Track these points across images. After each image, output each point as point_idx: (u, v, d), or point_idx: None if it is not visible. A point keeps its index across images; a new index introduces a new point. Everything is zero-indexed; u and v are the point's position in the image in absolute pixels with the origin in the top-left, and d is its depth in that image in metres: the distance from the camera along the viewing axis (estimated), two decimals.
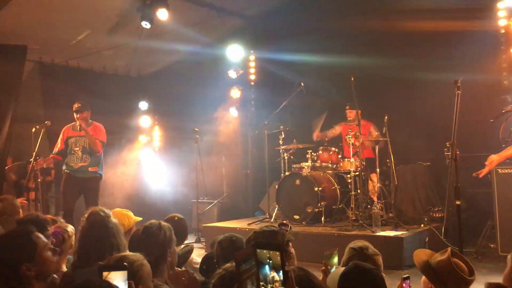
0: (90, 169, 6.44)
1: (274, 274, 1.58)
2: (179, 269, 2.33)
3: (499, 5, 5.99)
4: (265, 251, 1.59)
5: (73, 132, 6.59)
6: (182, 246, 3.43)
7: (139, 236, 2.51)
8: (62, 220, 3.66)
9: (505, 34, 6.05)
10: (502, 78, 6.18)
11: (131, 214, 3.29)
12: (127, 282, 1.85)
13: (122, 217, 3.19)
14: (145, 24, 6.93)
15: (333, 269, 2.74)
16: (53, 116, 8.31)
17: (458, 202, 3.46)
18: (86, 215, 2.63)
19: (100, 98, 8.70)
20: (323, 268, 2.70)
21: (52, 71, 8.63)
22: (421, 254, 2.38)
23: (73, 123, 6.62)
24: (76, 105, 6.52)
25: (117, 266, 1.91)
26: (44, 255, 2.24)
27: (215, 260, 2.91)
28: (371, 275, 2.18)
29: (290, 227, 2.76)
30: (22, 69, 7.87)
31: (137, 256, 2.15)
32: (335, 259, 2.77)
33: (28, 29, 7.36)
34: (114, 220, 2.57)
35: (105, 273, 1.88)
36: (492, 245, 5.68)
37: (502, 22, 6.07)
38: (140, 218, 3.47)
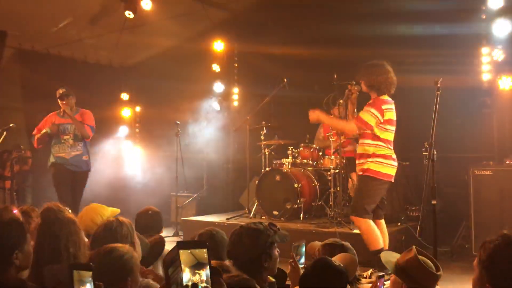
0: (84, 157, 6.16)
1: (201, 273, 1.51)
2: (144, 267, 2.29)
3: (483, 7, 6.05)
4: (189, 251, 1.52)
5: (60, 119, 6.22)
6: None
7: (100, 234, 2.47)
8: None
9: (486, 36, 6.12)
10: (482, 80, 6.26)
11: (105, 210, 3.22)
12: (92, 282, 1.82)
13: (96, 215, 3.12)
14: (129, 14, 6.86)
15: (302, 259, 2.80)
16: (32, 105, 8.20)
17: (434, 202, 3.50)
18: (39, 211, 2.54)
19: (81, 88, 8.54)
20: (291, 260, 2.74)
21: (32, 58, 8.47)
22: (388, 256, 2.42)
23: (58, 110, 6.31)
24: (60, 91, 6.23)
25: (84, 266, 1.89)
26: (29, 247, 2.21)
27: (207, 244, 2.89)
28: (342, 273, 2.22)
29: (279, 229, 2.70)
30: (1, 56, 7.72)
31: (126, 248, 2.16)
32: (303, 249, 2.85)
33: (8, 15, 7.21)
34: (69, 215, 2.50)
35: (75, 272, 1.85)
36: (467, 245, 5.77)
37: (484, 25, 6.14)
38: (118, 210, 3.42)
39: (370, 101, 4.66)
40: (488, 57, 6.17)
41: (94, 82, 8.97)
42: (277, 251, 2.61)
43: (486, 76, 6.25)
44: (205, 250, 1.53)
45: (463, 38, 6.22)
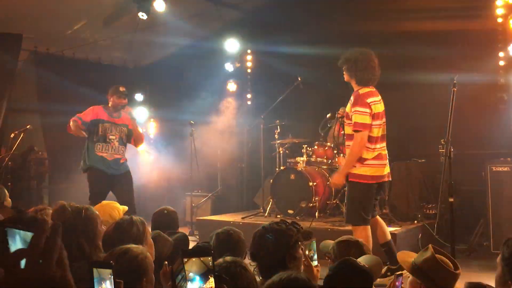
0: (121, 160, 5.70)
1: (207, 281, 1.49)
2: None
3: (497, 2, 5.97)
4: (194, 259, 1.50)
5: (109, 117, 5.67)
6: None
7: (111, 233, 2.46)
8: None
9: (502, 32, 6.03)
10: (498, 76, 6.17)
11: (116, 205, 3.25)
12: (112, 280, 1.83)
13: (113, 210, 3.17)
14: (142, 15, 6.90)
15: (315, 256, 2.79)
16: (48, 107, 8.30)
17: (451, 199, 3.46)
18: (51, 211, 2.56)
19: (96, 89, 8.64)
20: (304, 259, 2.73)
21: (47, 61, 8.56)
22: (405, 256, 2.40)
23: (105, 105, 5.80)
24: (121, 88, 5.75)
25: (104, 264, 1.89)
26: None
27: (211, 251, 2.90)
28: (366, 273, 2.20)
29: (301, 227, 2.66)
30: (17, 58, 7.82)
31: (140, 248, 2.16)
32: (314, 247, 2.84)
33: (23, 18, 7.30)
34: (83, 217, 2.52)
35: (95, 270, 1.86)
36: (485, 243, 5.70)
37: (499, 20, 6.05)
38: (125, 207, 3.45)
39: (352, 100, 4.34)
40: (504, 52, 6.08)
41: (108, 83, 9.00)
42: (302, 250, 2.58)
43: (502, 71, 6.17)
44: (210, 258, 1.52)
45: (478, 33, 6.14)
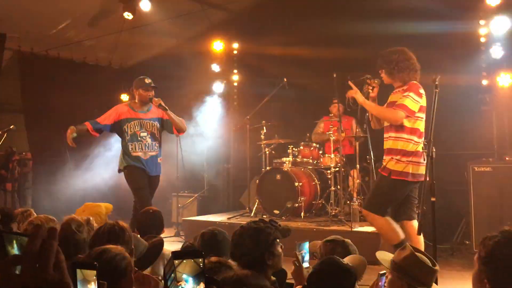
0: (159, 159, 5.34)
1: (198, 283, 1.48)
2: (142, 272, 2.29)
3: (480, 5, 6.06)
4: (186, 261, 1.49)
5: (135, 114, 5.27)
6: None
7: (104, 237, 2.44)
8: (34, 213, 3.60)
9: (484, 35, 6.14)
10: (480, 78, 6.28)
11: (101, 208, 3.24)
12: (96, 281, 1.82)
13: (94, 215, 3.15)
14: (128, 15, 6.89)
15: (306, 256, 2.82)
16: (32, 106, 8.23)
17: (433, 199, 3.51)
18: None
19: (81, 89, 8.62)
20: (295, 259, 2.76)
21: (31, 60, 8.49)
22: (384, 256, 2.44)
23: (128, 102, 5.47)
24: (146, 80, 5.33)
25: (88, 265, 1.88)
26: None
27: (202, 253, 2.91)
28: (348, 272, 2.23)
29: (279, 224, 2.67)
30: (1, 58, 7.74)
31: (118, 249, 2.13)
32: (306, 248, 2.87)
33: (7, 17, 7.23)
34: (85, 231, 2.53)
35: (78, 270, 1.85)
36: (467, 242, 5.79)
37: (482, 22, 6.15)
38: (111, 206, 3.44)
39: (405, 87, 4.05)
40: (487, 54, 6.18)
41: (93, 83, 9.01)
42: (281, 247, 2.61)
43: (485, 73, 6.27)
44: (200, 259, 1.53)
45: (462, 35, 6.24)
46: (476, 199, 5.58)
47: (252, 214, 6.93)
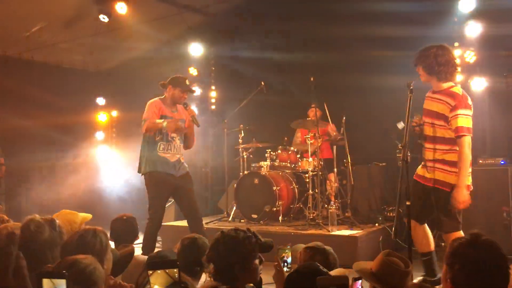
0: (182, 159, 5.11)
1: None
2: (117, 280, 2.24)
3: (455, 9, 6.16)
4: (159, 272, 1.47)
5: (170, 112, 5.01)
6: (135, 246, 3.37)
7: (73, 245, 2.37)
8: (8, 219, 3.50)
9: (458, 38, 6.24)
10: (455, 81, 6.36)
11: (75, 217, 3.16)
12: None
13: (67, 222, 3.07)
14: (103, 18, 6.79)
15: (289, 260, 2.80)
16: (5, 111, 8.05)
17: (408, 203, 3.54)
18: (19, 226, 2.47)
19: (55, 93, 8.48)
20: (276, 263, 2.73)
21: (4, 63, 8.33)
22: (361, 265, 2.45)
23: (161, 97, 5.10)
24: (187, 81, 5.05)
25: (56, 274, 1.83)
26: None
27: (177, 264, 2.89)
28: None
29: (260, 239, 2.57)
30: None
31: (89, 259, 2.08)
32: (289, 252, 2.85)
33: None
34: (47, 231, 2.45)
35: (45, 280, 1.80)
36: (442, 244, 5.84)
37: (456, 27, 6.25)
38: (90, 216, 3.36)
39: (449, 100, 3.86)
40: (460, 59, 6.28)
41: (69, 87, 8.87)
42: (258, 261, 2.52)
43: (458, 77, 6.36)
44: (176, 270, 1.50)
45: (436, 40, 6.30)
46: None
47: (230, 219, 6.89)
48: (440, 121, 3.90)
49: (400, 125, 4.20)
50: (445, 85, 3.94)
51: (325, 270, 2.31)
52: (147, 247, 4.85)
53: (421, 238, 4.11)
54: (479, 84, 6.03)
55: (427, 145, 4.04)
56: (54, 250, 2.42)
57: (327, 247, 3.10)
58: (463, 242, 1.97)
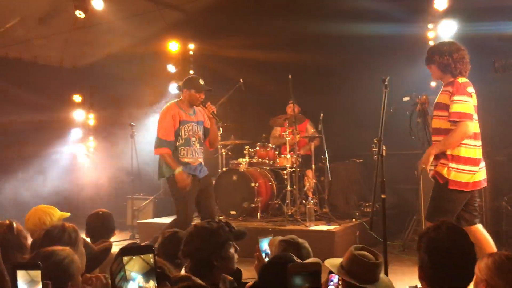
0: (202, 162, 5.00)
1: (148, 279, 1.44)
2: (88, 274, 2.21)
3: (428, 9, 6.26)
4: (135, 258, 1.44)
5: (187, 116, 4.82)
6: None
7: (40, 241, 2.35)
8: None
9: (432, 37, 6.36)
10: (429, 80, 6.48)
11: (55, 211, 3.14)
12: (41, 282, 1.75)
13: (44, 215, 3.04)
14: (79, 14, 6.70)
15: (269, 251, 2.82)
16: None
17: (383, 196, 3.59)
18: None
19: (30, 90, 8.33)
20: (257, 253, 2.75)
21: None
22: (332, 262, 2.48)
23: (178, 100, 4.90)
24: (201, 81, 4.89)
25: (30, 265, 1.81)
26: None
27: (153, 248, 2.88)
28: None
29: (233, 227, 2.63)
30: None
31: (66, 251, 2.06)
32: (266, 243, 2.87)
33: None
34: (15, 233, 2.43)
35: (20, 272, 1.78)
36: (417, 238, 5.95)
37: (430, 26, 6.37)
38: (68, 214, 3.33)
39: (449, 88, 3.77)
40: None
41: (44, 83, 8.73)
42: (233, 250, 2.58)
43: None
44: (151, 255, 1.48)
45: (410, 38, 6.43)
46: (426, 197, 5.71)
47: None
48: (443, 111, 3.79)
49: (406, 98, 4.30)
50: (459, 79, 3.81)
51: (298, 260, 2.34)
52: None
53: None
54: None
55: (433, 138, 3.94)
56: (14, 253, 2.39)
57: (301, 241, 3.10)
58: (430, 226, 2.06)
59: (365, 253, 2.37)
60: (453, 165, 3.68)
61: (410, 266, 4.93)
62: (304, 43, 7.58)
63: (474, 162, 3.71)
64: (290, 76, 6.46)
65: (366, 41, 6.71)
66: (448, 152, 3.70)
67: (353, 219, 6.27)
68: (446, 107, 3.75)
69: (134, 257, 1.47)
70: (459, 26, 6.02)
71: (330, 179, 6.68)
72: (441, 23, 6.12)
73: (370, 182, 6.96)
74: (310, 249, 3.05)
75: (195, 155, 4.82)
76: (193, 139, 4.82)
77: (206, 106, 4.85)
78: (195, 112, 4.94)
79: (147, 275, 1.49)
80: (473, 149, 3.72)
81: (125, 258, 1.46)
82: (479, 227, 3.84)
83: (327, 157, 6.67)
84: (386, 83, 3.78)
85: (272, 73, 7.53)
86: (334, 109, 7.22)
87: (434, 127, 3.93)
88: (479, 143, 3.78)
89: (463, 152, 3.69)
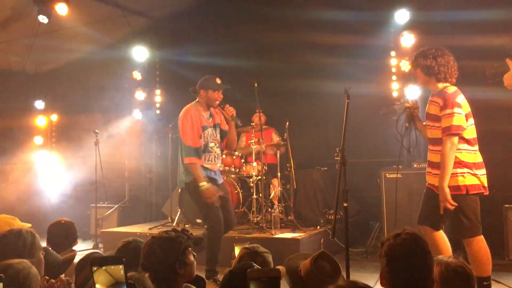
0: (220, 166, 4.88)
1: None
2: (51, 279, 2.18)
3: (392, 20, 6.45)
4: (104, 268, 1.44)
5: (206, 120, 4.74)
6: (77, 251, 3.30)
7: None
8: None
9: (395, 48, 6.55)
10: (391, 88, 6.67)
11: (15, 221, 3.07)
12: None
13: (5, 225, 2.96)
14: (43, 19, 6.57)
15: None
16: None
17: (345, 204, 3.66)
18: None
19: None
20: (233, 260, 2.77)
21: None
22: (293, 263, 2.51)
23: (194, 102, 4.77)
24: (218, 80, 4.74)
25: None
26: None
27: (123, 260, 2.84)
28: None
29: (191, 234, 2.66)
30: None
31: (23, 264, 2.03)
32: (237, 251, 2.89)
33: None
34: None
35: None
36: (380, 245, 6.07)
37: (393, 37, 6.56)
38: (29, 224, 3.25)
39: (438, 100, 3.79)
40: (396, 67, 6.60)
41: (4, 89, 8.50)
42: (193, 256, 2.61)
43: (395, 85, 6.67)
44: (121, 266, 1.47)
45: (374, 48, 6.60)
46: (388, 204, 5.88)
47: (174, 224, 6.85)
48: (435, 122, 3.85)
49: (397, 106, 4.33)
50: (441, 85, 3.87)
51: (256, 266, 2.36)
52: (212, 261, 4.52)
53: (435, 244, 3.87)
54: (414, 92, 6.32)
55: (431, 147, 3.98)
56: None
57: (262, 249, 3.06)
58: (391, 233, 2.16)
59: (325, 264, 2.41)
60: (465, 169, 3.73)
61: (372, 272, 5.03)
62: (270, 50, 7.67)
63: (478, 165, 3.79)
64: (256, 84, 6.51)
65: (331, 50, 6.85)
66: (432, 160, 3.83)
67: (318, 227, 6.35)
68: (437, 118, 3.81)
69: (103, 268, 1.46)
70: (417, 38, 6.24)
71: (295, 187, 6.76)
72: (402, 35, 6.33)
73: (334, 190, 7.08)
74: (268, 258, 3.00)
75: (214, 160, 4.76)
76: (212, 144, 4.75)
77: (225, 108, 4.76)
78: (211, 114, 4.84)
79: (116, 286, 1.48)
80: (474, 154, 3.79)
81: (94, 269, 1.44)
82: (442, 232, 3.91)
83: (292, 165, 6.74)
84: (348, 93, 3.86)
85: (238, 80, 7.56)
86: (300, 117, 7.32)
87: (430, 137, 3.97)
88: (476, 147, 3.83)
89: (465, 157, 3.75)
